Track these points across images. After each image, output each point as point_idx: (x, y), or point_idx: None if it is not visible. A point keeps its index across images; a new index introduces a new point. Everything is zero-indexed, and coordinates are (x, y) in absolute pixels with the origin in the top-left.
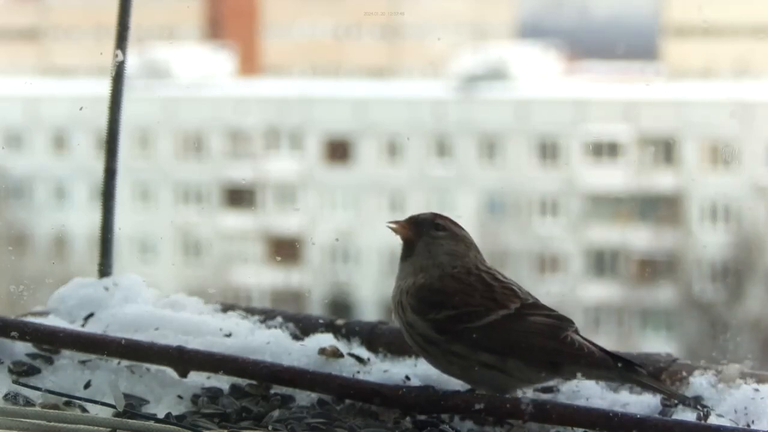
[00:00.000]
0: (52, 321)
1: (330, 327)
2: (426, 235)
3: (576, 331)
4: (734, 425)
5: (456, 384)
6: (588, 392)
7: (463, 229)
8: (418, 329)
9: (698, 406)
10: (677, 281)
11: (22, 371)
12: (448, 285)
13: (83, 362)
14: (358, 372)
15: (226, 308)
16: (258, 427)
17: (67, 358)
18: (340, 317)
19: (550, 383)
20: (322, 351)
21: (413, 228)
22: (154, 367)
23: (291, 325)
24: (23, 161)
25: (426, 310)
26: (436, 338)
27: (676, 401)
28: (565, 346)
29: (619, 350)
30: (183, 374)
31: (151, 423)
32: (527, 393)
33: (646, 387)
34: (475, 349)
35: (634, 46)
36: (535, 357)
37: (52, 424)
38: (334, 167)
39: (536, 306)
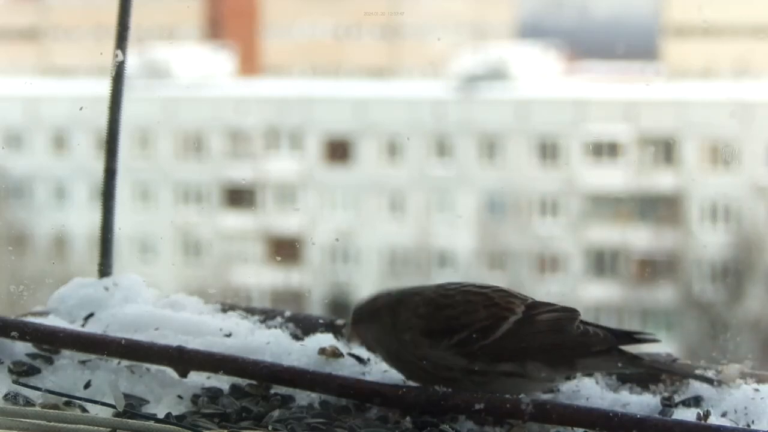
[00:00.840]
0: (52, 321)
1: (330, 327)
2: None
3: (581, 321)
4: (734, 425)
5: None
6: (588, 392)
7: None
8: (432, 360)
9: (714, 381)
10: (677, 281)
11: (22, 371)
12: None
13: (83, 362)
14: (359, 372)
15: (226, 308)
16: (258, 427)
17: (67, 358)
18: (340, 317)
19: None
20: (322, 351)
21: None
22: (154, 367)
23: (291, 325)
24: (23, 161)
25: (439, 338)
26: (456, 364)
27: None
28: (579, 336)
29: None
30: (183, 374)
31: (151, 423)
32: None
33: (661, 371)
34: (494, 363)
35: (634, 46)
36: (553, 354)
37: (52, 424)
38: (334, 167)
39: (539, 304)
